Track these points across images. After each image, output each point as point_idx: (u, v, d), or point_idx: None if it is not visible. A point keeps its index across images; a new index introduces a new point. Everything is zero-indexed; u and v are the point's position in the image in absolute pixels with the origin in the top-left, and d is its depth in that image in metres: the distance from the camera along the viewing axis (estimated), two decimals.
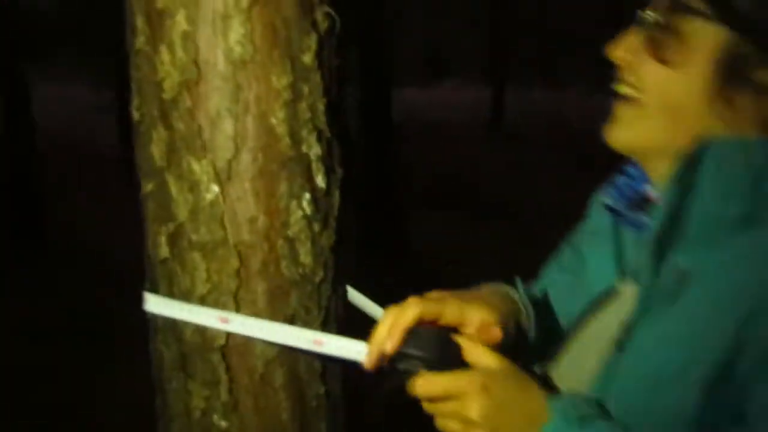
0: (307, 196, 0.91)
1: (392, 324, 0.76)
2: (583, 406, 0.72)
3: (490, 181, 8.23)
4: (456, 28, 18.38)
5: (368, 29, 6.34)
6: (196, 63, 0.84)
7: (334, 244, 0.95)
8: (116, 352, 3.66)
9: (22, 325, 4.21)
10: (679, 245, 0.72)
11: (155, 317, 0.95)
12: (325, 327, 0.95)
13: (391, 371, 0.76)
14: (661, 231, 0.73)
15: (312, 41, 0.89)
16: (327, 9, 0.91)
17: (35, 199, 5.97)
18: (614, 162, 0.88)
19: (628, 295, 0.81)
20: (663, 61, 0.74)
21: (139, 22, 0.87)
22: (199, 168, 0.86)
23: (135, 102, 0.91)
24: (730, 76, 0.70)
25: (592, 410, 0.72)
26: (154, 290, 0.94)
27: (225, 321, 0.88)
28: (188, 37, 0.84)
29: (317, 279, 0.93)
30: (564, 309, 0.95)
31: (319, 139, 0.91)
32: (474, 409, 0.70)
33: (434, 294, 0.82)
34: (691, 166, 0.71)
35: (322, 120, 0.92)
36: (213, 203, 0.87)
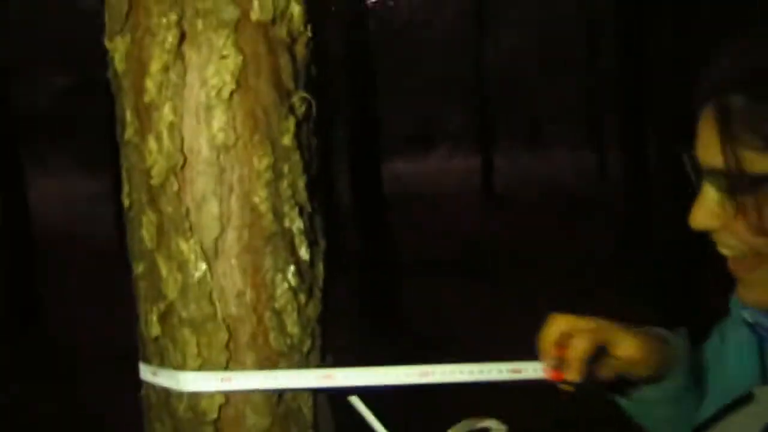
0: (292, 268, 0.95)
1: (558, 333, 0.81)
2: None
3: (484, 245, 8.29)
4: (444, 99, 18.89)
5: (358, 105, 6.54)
6: (182, 150, 0.90)
7: (320, 314, 0.99)
8: None
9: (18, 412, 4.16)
10: None
11: (148, 394, 0.98)
12: (316, 396, 0.98)
13: None
14: None
15: (290, 124, 0.95)
16: (303, 94, 0.98)
17: (32, 290, 5.99)
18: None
19: (766, 400, 0.75)
20: (758, 220, 0.67)
21: (128, 115, 0.94)
22: (187, 248, 0.91)
23: (125, 189, 0.97)
24: None
25: None
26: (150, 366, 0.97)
27: (228, 380, 0.90)
28: (174, 127, 0.90)
29: (305, 349, 0.96)
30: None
31: (301, 213, 0.97)
32: None
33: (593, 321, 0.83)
34: None
35: (303, 196, 0.97)
36: (201, 281, 0.91)
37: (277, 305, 0.94)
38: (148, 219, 0.93)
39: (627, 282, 6.21)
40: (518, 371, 0.85)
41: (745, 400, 0.76)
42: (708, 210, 0.70)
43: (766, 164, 0.65)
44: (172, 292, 0.92)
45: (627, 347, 0.81)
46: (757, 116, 0.65)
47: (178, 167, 0.91)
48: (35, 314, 5.95)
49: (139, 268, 0.96)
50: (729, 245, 0.71)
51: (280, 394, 0.94)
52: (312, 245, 0.99)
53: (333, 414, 1.04)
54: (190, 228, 0.91)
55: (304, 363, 0.96)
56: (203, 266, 0.91)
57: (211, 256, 0.91)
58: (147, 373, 0.97)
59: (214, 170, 0.91)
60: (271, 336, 0.94)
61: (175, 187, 0.91)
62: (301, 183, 0.97)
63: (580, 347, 0.79)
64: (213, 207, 0.91)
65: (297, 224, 0.96)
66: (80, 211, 12.02)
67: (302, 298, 0.97)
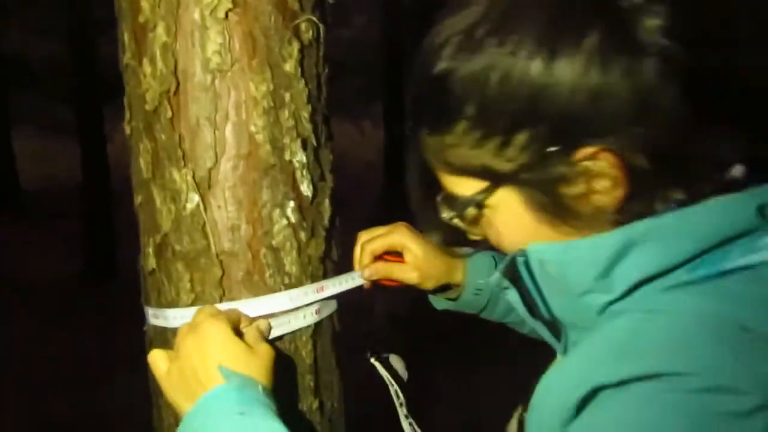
0: (292, 204, 0.90)
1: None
2: (251, 391, 0.73)
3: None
4: None
5: None
6: (175, 74, 0.85)
7: (322, 254, 0.94)
8: None
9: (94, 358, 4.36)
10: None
11: (149, 329, 0.96)
12: (314, 337, 0.93)
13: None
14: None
15: (294, 49, 0.89)
16: (311, 17, 0.91)
17: (110, 237, 6.23)
18: None
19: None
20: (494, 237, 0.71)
21: (126, 37, 0.90)
22: (179, 177, 0.86)
23: (126, 116, 0.93)
24: (547, 209, 0.64)
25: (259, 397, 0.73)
26: (147, 303, 0.95)
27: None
28: (167, 49, 0.85)
29: None
30: None
31: (304, 146, 0.90)
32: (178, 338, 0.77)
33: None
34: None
35: (306, 127, 0.91)
36: (194, 213, 0.87)
37: (274, 242, 0.89)
38: (145, 147, 0.89)
39: None
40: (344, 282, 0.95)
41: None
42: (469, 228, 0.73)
43: (463, 187, 0.67)
44: (165, 223, 0.88)
45: (413, 254, 0.96)
46: (433, 144, 0.66)
47: (171, 92, 0.86)
48: (113, 266, 6.20)
49: (138, 199, 0.93)
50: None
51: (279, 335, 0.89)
52: (316, 181, 0.92)
53: (339, 362, 0.99)
54: (183, 157, 0.86)
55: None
56: (195, 197, 0.86)
57: (204, 187, 0.87)
58: (147, 313, 0.94)
59: (208, 96, 0.86)
60: (267, 274, 0.89)
61: (169, 113, 0.86)
62: (304, 113, 0.90)
63: (368, 248, 0.97)
64: (207, 135, 0.86)
65: (299, 157, 0.90)
66: None
67: (303, 235, 0.91)
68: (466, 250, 1.01)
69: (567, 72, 0.58)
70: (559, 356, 0.75)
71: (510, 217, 0.66)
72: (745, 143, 0.61)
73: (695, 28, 0.58)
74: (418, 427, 0.97)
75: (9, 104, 8.74)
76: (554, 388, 0.62)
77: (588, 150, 0.60)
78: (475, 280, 1.00)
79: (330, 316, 0.96)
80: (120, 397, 3.44)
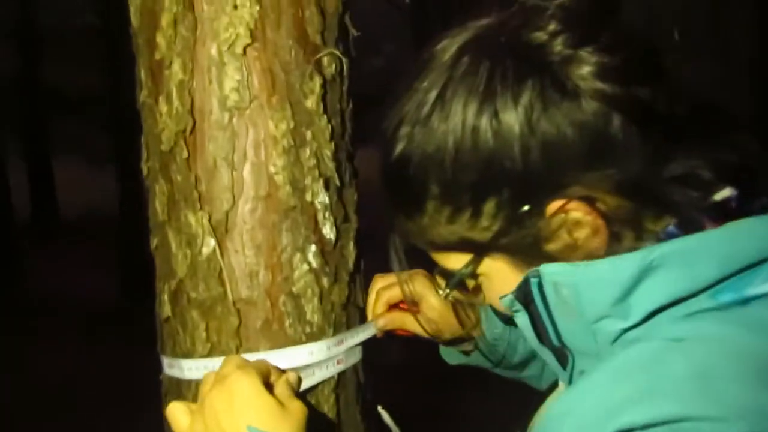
0: (313, 248, 0.84)
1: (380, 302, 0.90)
2: None
3: None
4: None
5: None
6: (191, 112, 0.82)
7: (346, 301, 0.88)
8: None
9: None
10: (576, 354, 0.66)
11: (164, 377, 0.91)
12: (337, 390, 0.87)
13: None
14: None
15: (316, 85, 0.84)
16: (333, 50, 0.86)
17: (144, 264, 6.29)
18: None
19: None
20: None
21: (143, 74, 0.86)
22: (195, 220, 0.82)
23: (144, 156, 0.90)
24: (523, 257, 0.63)
25: None
26: (162, 351, 0.90)
27: None
28: (183, 87, 0.82)
29: (326, 339, 0.85)
30: None
31: (327, 186, 0.86)
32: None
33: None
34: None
35: (329, 166, 0.86)
36: (210, 258, 0.82)
37: (294, 288, 0.84)
38: (161, 188, 0.85)
39: None
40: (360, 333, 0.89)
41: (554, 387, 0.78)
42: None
43: (452, 261, 0.67)
44: (181, 269, 0.84)
45: (430, 306, 0.89)
46: (412, 227, 0.66)
47: (188, 131, 0.82)
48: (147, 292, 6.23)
49: (153, 242, 0.89)
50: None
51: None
52: (339, 222, 0.87)
53: (365, 415, 0.93)
54: (200, 199, 0.82)
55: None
56: (212, 242, 0.82)
57: (221, 230, 0.82)
58: (163, 362, 0.89)
59: (225, 135, 0.81)
60: (287, 322, 0.83)
61: (185, 153, 0.82)
62: (327, 152, 0.86)
63: (383, 296, 0.90)
64: (224, 176, 0.82)
65: (321, 198, 0.85)
66: None
67: (325, 281, 0.85)
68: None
69: (513, 130, 0.58)
70: (562, 385, 0.72)
71: (504, 281, 0.65)
72: (728, 163, 0.60)
73: (624, 64, 0.58)
74: None
75: (49, 133, 8.94)
76: (568, 421, 0.56)
77: (557, 203, 0.59)
78: (491, 331, 0.94)
79: (354, 366, 0.90)
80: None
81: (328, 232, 0.86)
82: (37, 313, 5.62)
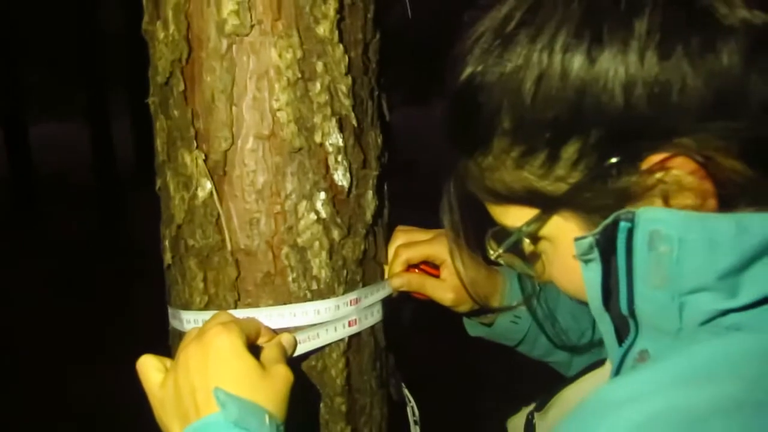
0: (322, 196, 0.75)
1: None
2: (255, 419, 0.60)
3: None
4: None
5: None
6: (187, 39, 0.73)
7: (361, 256, 0.78)
8: None
9: None
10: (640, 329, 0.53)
11: (171, 331, 0.85)
12: (348, 354, 0.78)
13: None
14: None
15: (329, 8, 0.73)
16: None
17: None
18: None
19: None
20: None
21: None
22: (190, 160, 0.74)
23: (151, 89, 0.82)
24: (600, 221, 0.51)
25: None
26: (168, 301, 0.84)
27: None
28: (180, 10, 0.73)
29: (335, 297, 0.76)
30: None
31: (341, 127, 0.75)
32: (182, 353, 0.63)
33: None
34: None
35: (344, 104, 0.75)
36: (206, 202, 0.74)
37: (299, 240, 0.75)
38: (161, 125, 0.78)
39: None
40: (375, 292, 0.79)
41: (598, 364, 0.70)
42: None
43: (512, 217, 0.57)
44: (179, 214, 0.77)
45: (451, 273, 0.79)
46: (471, 169, 0.57)
47: (184, 60, 0.73)
48: None
49: (157, 183, 0.82)
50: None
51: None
52: (356, 168, 0.77)
53: (383, 383, 0.84)
54: (197, 136, 0.74)
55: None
56: (208, 185, 0.74)
57: (218, 172, 0.74)
58: (169, 312, 0.84)
59: (224, 65, 0.72)
60: (290, 277, 0.75)
61: (181, 86, 0.74)
62: (342, 87, 0.75)
63: (403, 255, 0.81)
64: (222, 112, 0.73)
65: (333, 140, 0.75)
66: None
67: (336, 234, 0.76)
68: (511, 271, 0.83)
69: (617, 63, 0.47)
70: (608, 364, 0.63)
71: (570, 250, 0.52)
72: None
73: None
74: None
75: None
76: (628, 414, 0.44)
77: (657, 156, 0.47)
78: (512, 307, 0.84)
79: (371, 329, 0.81)
80: None
81: (341, 178, 0.76)
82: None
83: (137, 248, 6.06)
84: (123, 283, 4.87)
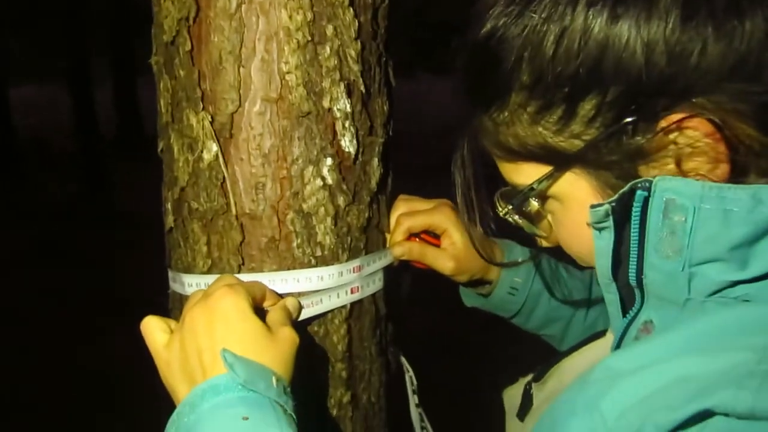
0: (329, 161, 0.74)
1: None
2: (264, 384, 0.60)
3: None
4: None
5: None
6: None
7: (366, 223, 0.78)
8: None
9: None
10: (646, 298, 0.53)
11: (171, 294, 0.85)
12: (349, 320, 0.78)
13: None
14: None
15: None
16: None
17: None
18: None
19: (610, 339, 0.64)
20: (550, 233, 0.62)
21: None
22: (196, 121, 0.73)
23: (153, 50, 0.81)
24: (611, 180, 0.52)
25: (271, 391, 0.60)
26: (168, 264, 0.83)
27: None
28: None
29: (339, 264, 0.76)
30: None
31: (349, 92, 0.74)
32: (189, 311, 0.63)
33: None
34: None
35: (353, 69, 0.74)
36: (212, 165, 0.73)
37: (305, 205, 0.74)
38: (165, 85, 0.77)
39: None
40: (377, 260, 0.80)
41: (600, 335, 0.70)
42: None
43: (523, 174, 0.56)
44: (182, 176, 0.76)
45: (452, 242, 0.81)
46: (485, 124, 0.57)
47: (191, 19, 0.72)
48: None
49: (160, 145, 0.81)
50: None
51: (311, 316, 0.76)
52: (363, 135, 0.77)
53: (383, 350, 0.85)
54: (203, 98, 0.73)
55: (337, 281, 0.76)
56: (213, 147, 0.73)
57: (224, 135, 0.73)
58: (169, 276, 0.83)
59: (232, 25, 0.71)
60: (295, 242, 0.75)
61: (188, 45, 0.73)
62: (351, 52, 0.74)
63: (405, 224, 0.81)
64: (229, 73, 0.72)
65: (341, 105, 0.74)
66: None
67: (341, 200, 0.76)
68: (510, 243, 0.84)
69: (640, 22, 0.47)
70: (611, 333, 0.64)
71: (580, 208, 0.52)
72: None
73: None
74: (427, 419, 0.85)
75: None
76: (634, 384, 0.45)
77: (674, 117, 0.47)
78: (510, 278, 0.84)
79: (372, 296, 0.81)
80: None
81: (348, 144, 0.75)
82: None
83: (119, 211, 6.02)
84: (107, 248, 4.85)
